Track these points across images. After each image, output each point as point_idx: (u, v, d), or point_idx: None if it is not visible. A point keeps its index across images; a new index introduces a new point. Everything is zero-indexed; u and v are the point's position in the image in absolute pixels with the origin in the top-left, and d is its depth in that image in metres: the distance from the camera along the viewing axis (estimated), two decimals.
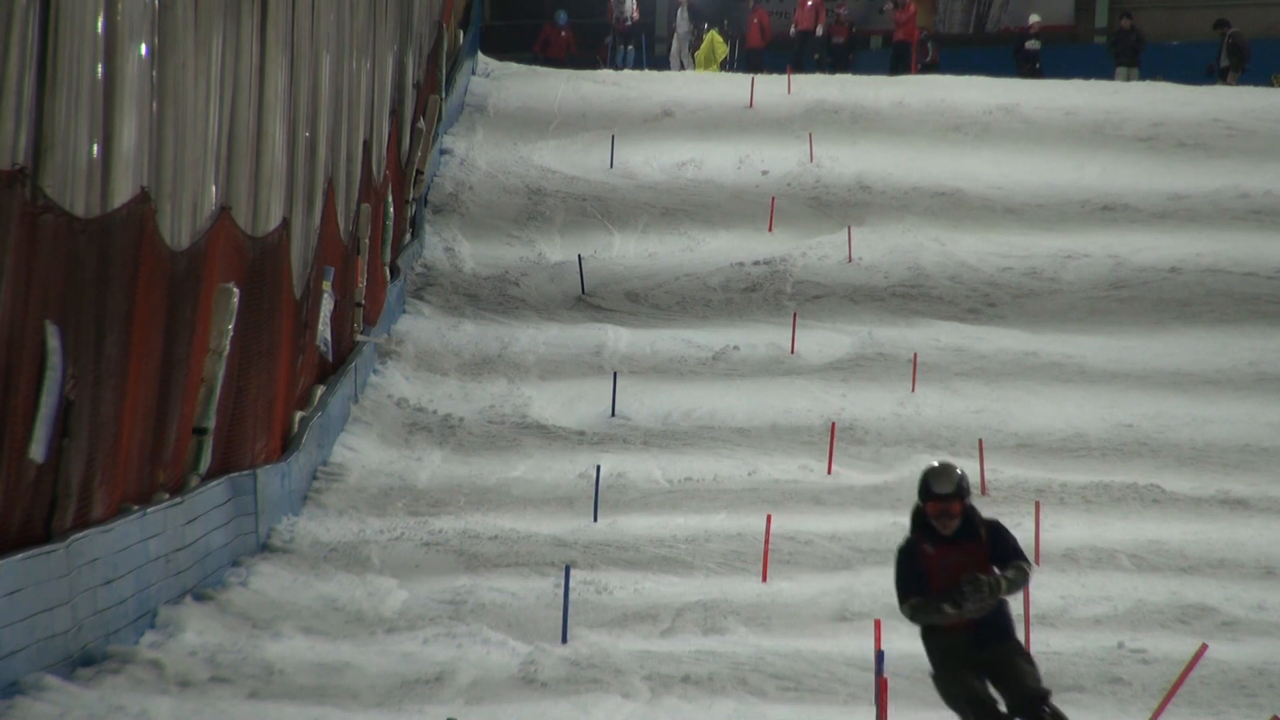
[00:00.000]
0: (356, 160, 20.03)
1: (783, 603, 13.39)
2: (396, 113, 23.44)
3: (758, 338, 22.17)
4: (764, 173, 27.34)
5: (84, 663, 10.47)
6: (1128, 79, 33.64)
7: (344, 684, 10.88)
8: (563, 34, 38.41)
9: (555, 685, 10.98)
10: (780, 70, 32.34)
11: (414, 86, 25.09)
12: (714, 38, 37.08)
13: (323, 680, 10.94)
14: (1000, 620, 8.95)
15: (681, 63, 37.82)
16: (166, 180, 12.17)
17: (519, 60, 34.12)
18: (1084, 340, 22.07)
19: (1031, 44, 35.99)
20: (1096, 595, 13.68)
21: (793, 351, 21.73)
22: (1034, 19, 36.26)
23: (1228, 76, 33.32)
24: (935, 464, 8.96)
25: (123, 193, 11.15)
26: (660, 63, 38.27)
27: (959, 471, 8.90)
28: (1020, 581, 8.89)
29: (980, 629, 8.89)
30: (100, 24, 10.71)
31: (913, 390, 20.31)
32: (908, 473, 17.76)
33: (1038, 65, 35.50)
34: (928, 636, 9.02)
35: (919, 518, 8.96)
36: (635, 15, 38.90)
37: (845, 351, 21.74)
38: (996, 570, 8.85)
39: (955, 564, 8.80)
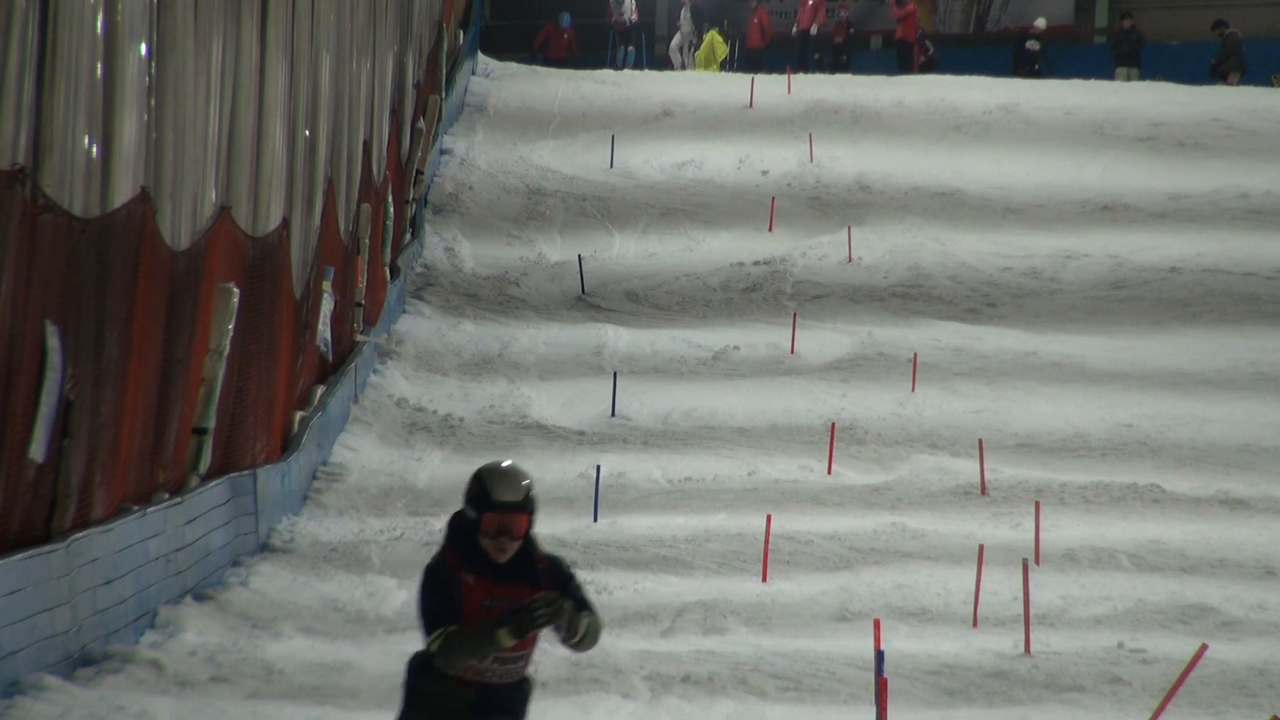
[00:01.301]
0: (356, 160, 20.03)
1: (783, 603, 13.39)
2: (396, 113, 23.44)
3: (758, 338, 22.16)
4: (764, 173, 27.34)
5: (84, 663, 10.47)
6: (1128, 79, 33.66)
7: (344, 684, 10.87)
8: (564, 35, 38.43)
9: (555, 685, 10.98)
10: (780, 70, 32.35)
11: (414, 86, 25.10)
12: (714, 38, 37.10)
13: (323, 680, 10.94)
14: (518, 696, 6.73)
15: (683, 62, 37.85)
16: (166, 180, 12.17)
17: (519, 60, 34.13)
18: (1084, 340, 22.07)
19: (1031, 44, 35.99)
20: (1096, 595, 13.67)
21: (793, 351, 21.73)
22: (1039, 22, 36.13)
23: (1228, 77, 33.33)
24: (500, 463, 6.56)
25: (123, 193, 11.15)
26: (660, 63, 38.28)
27: (527, 478, 6.49)
28: (593, 638, 6.66)
29: (491, 696, 6.64)
30: (100, 23, 10.71)
31: (913, 390, 20.31)
32: (907, 473, 17.78)
33: (1037, 66, 35.51)
34: (419, 681, 6.78)
35: (461, 532, 6.52)
36: (635, 15, 38.92)
37: (845, 351, 21.74)
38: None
39: (502, 608, 6.46)
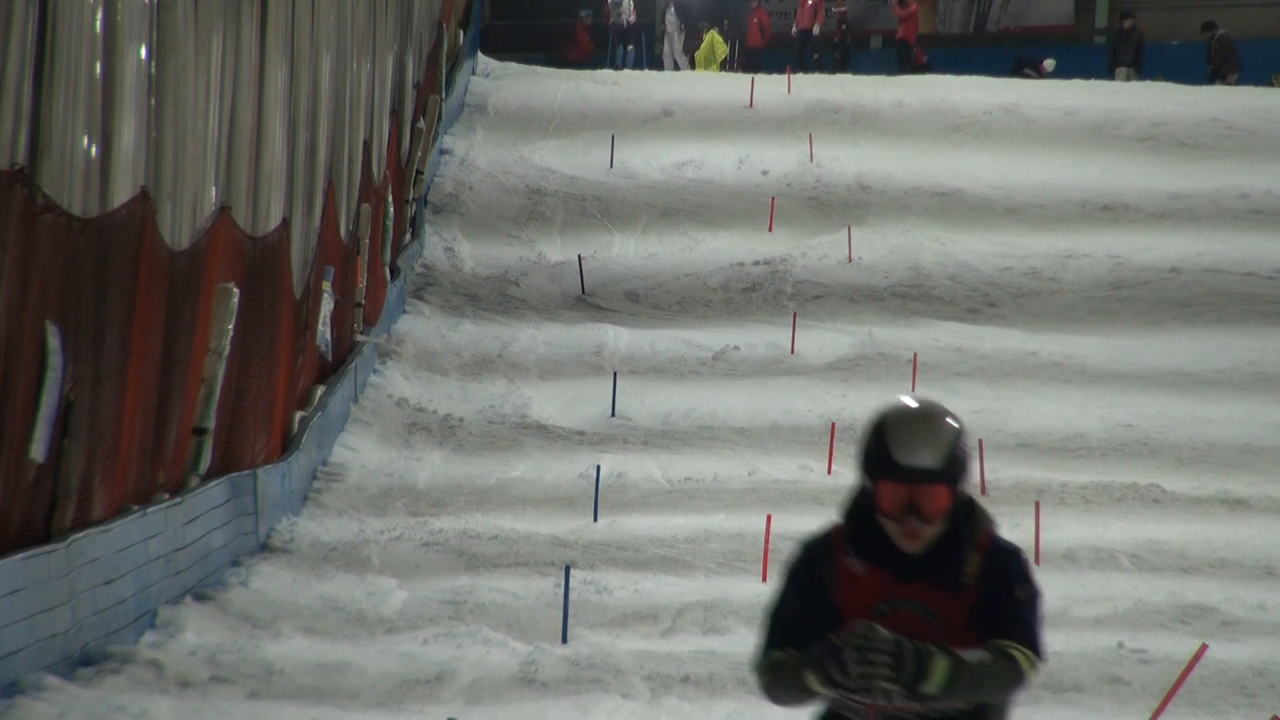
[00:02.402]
0: (356, 160, 20.03)
1: None
2: (396, 113, 23.43)
3: (758, 338, 22.16)
4: (764, 173, 27.33)
5: (84, 663, 10.47)
6: (1127, 79, 33.64)
7: (344, 684, 10.87)
8: (588, 35, 38.39)
9: (555, 685, 10.97)
10: (780, 70, 32.35)
11: (414, 86, 25.09)
12: (714, 38, 37.10)
13: (323, 680, 10.93)
14: None
15: (675, 63, 37.82)
16: (166, 180, 12.17)
17: (524, 61, 34.08)
18: (1084, 340, 22.06)
19: (1030, 72, 35.73)
20: (1096, 595, 13.67)
21: (793, 351, 21.72)
22: (1049, 64, 35.73)
23: (1226, 77, 33.32)
24: (911, 404, 4.54)
25: (122, 193, 11.15)
26: (660, 63, 38.29)
27: (954, 426, 4.51)
28: (997, 679, 4.42)
29: None
30: (99, 23, 10.71)
31: (913, 390, 20.31)
32: None
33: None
34: None
35: (857, 509, 4.58)
36: (633, 16, 38.91)
37: (845, 351, 21.73)
38: (968, 649, 4.43)
39: (904, 618, 4.49)
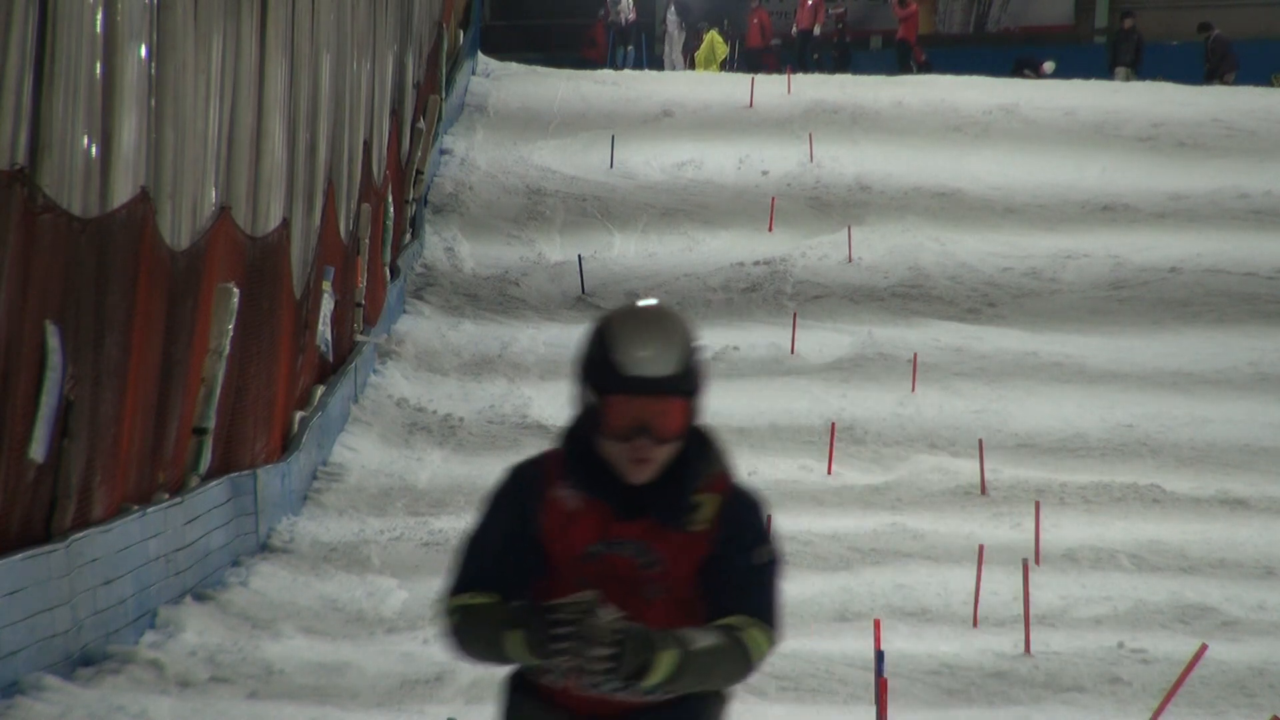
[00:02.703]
0: (356, 160, 20.03)
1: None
2: (396, 113, 23.44)
3: (758, 338, 22.16)
4: (764, 173, 27.33)
5: (84, 663, 10.47)
6: (1126, 79, 33.65)
7: (344, 684, 10.87)
8: (606, 34, 38.40)
9: None
10: (780, 70, 32.35)
11: (414, 86, 25.10)
12: (714, 38, 37.11)
13: (323, 680, 10.94)
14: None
15: (673, 63, 37.84)
16: (166, 180, 12.17)
17: (533, 61, 34.09)
18: (1084, 340, 22.06)
19: (1029, 73, 35.73)
20: (1096, 595, 13.67)
21: (793, 351, 21.72)
22: (1048, 66, 35.78)
23: (1224, 77, 33.34)
24: (640, 305, 3.93)
25: (122, 193, 11.15)
26: (660, 63, 38.30)
27: (688, 331, 3.89)
28: (726, 668, 4.06)
29: None
30: (100, 23, 10.71)
31: (913, 390, 20.30)
32: (907, 473, 17.78)
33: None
34: (513, 691, 4.02)
35: (576, 432, 3.94)
36: (633, 15, 38.92)
37: (845, 351, 21.73)
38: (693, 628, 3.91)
39: (620, 562, 3.88)
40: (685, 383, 3.83)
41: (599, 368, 3.81)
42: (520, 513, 3.90)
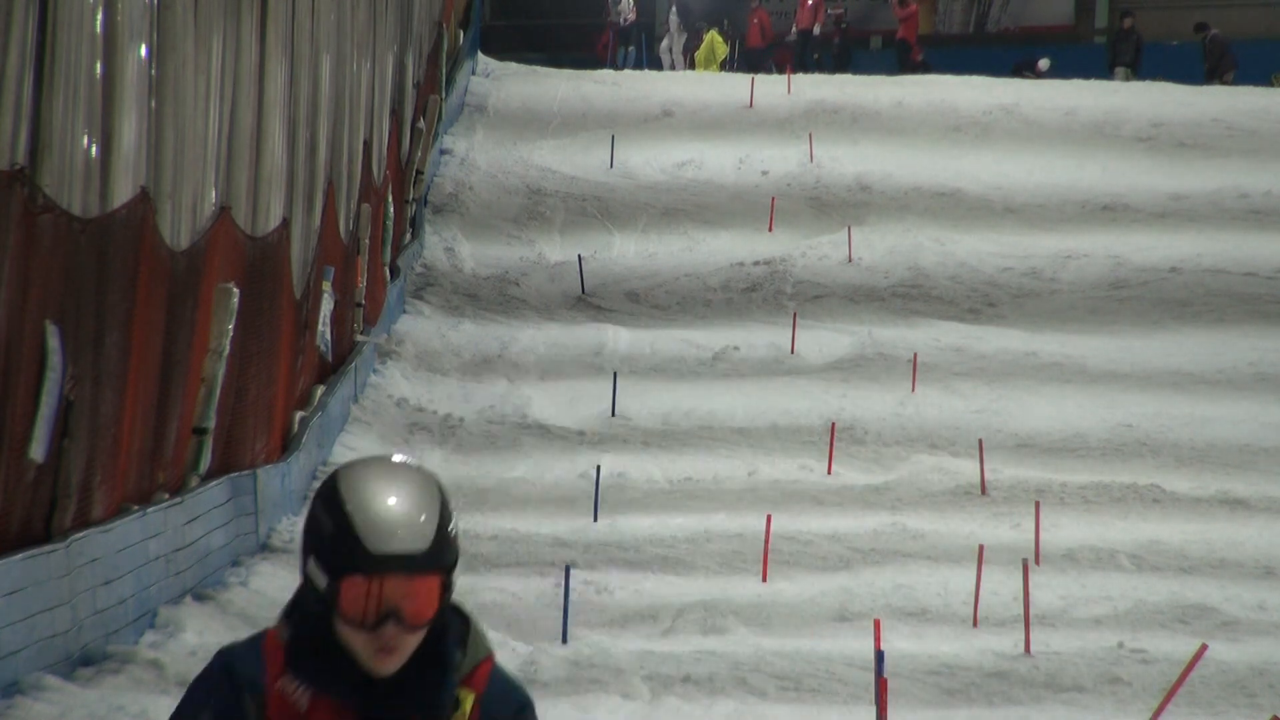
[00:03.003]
0: (356, 160, 20.03)
1: (783, 603, 13.39)
2: (396, 113, 23.44)
3: (758, 338, 22.16)
4: (764, 173, 27.32)
5: (84, 663, 10.47)
6: (1125, 79, 33.64)
7: None
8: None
9: (555, 685, 10.97)
10: (780, 70, 32.34)
11: (414, 86, 25.10)
12: (714, 38, 37.09)
13: None
14: None
15: (672, 62, 37.83)
16: (166, 180, 12.17)
17: (533, 61, 34.08)
18: (1084, 340, 22.06)
19: (1028, 73, 35.67)
20: (1096, 595, 13.67)
21: (793, 351, 21.72)
22: (1043, 64, 35.76)
23: (1223, 77, 33.33)
24: (377, 461, 3.19)
25: (122, 193, 11.15)
26: (660, 63, 38.29)
27: (442, 494, 3.14)
28: None
29: None
30: (100, 23, 10.71)
31: (913, 390, 20.31)
32: (907, 473, 17.78)
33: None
34: None
35: (302, 613, 3.16)
36: (632, 15, 38.91)
37: (845, 351, 21.73)
38: None
39: None
40: (441, 558, 3.09)
41: (334, 544, 3.04)
42: (236, 710, 3.12)
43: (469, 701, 3.18)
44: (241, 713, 3.12)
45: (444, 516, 3.09)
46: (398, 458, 3.19)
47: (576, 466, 17.81)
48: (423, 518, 3.07)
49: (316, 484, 16.81)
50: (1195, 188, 26.54)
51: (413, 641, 3.10)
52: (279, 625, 3.16)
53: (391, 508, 3.05)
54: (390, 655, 3.09)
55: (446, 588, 3.13)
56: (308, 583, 3.10)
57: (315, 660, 3.11)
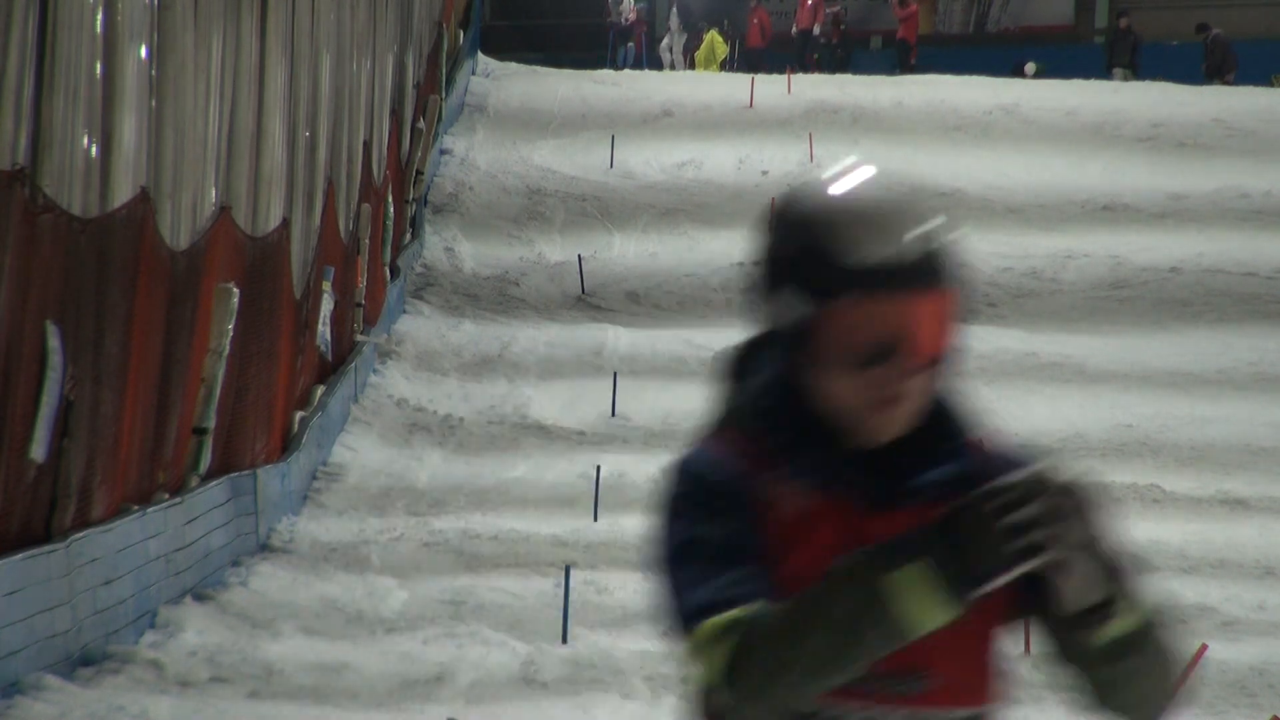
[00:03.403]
0: (356, 160, 20.03)
1: None
2: (396, 113, 23.44)
3: None
4: (764, 173, 27.32)
5: (84, 663, 10.47)
6: (1124, 80, 33.64)
7: (344, 684, 10.87)
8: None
9: (555, 685, 10.97)
10: (780, 70, 32.36)
11: (414, 86, 25.10)
12: (714, 38, 37.11)
13: (323, 680, 10.94)
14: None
15: (672, 61, 37.85)
16: (166, 180, 12.18)
17: (533, 61, 34.07)
18: (1084, 340, 22.06)
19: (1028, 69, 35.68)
20: None
21: None
22: (1029, 68, 35.70)
23: (1224, 76, 33.33)
24: (848, 168, 2.52)
25: (122, 193, 11.16)
26: (660, 62, 38.31)
27: (923, 194, 2.56)
28: (1166, 659, 2.80)
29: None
30: (100, 23, 10.71)
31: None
32: None
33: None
34: None
35: (773, 395, 2.60)
36: (633, 15, 38.93)
37: None
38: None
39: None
40: (947, 269, 2.46)
41: (816, 260, 2.44)
42: (737, 517, 2.54)
43: (982, 464, 2.51)
44: (737, 528, 2.50)
45: (939, 221, 2.48)
46: (864, 164, 2.56)
47: (576, 466, 17.81)
48: (924, 221, 2.46)
49: (316, 484, 16.89)
50: (1195, 188, 26.54)
51: (922, 389, 2.49)
52: (729, 425, 2.69)
53: (886, 211, 2.45)
54: (895, 405, 2.48)
55: (957, 313, 2.49)
56: (775, 332, 2.54)
57: (804, 448, 2.51)
